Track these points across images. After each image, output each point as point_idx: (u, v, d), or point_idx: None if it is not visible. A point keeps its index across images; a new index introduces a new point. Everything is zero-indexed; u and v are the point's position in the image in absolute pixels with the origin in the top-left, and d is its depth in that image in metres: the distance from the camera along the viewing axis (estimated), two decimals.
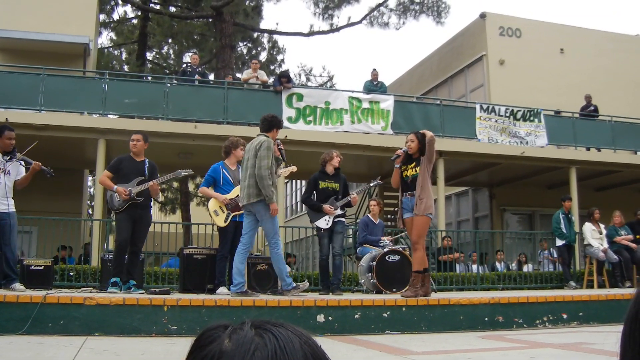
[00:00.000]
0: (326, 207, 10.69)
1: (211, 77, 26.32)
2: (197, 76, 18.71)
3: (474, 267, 18.15)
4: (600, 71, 26.11)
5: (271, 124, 9.38)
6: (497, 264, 19.78)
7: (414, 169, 9.12)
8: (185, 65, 23.16)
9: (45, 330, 6.94)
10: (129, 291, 9.05)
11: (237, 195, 10.00)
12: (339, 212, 10.87)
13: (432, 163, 9.25)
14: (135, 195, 9.55)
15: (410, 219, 9.13)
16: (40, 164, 9.53)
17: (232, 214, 10.01)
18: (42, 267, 11.32)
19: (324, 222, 10.77)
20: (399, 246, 12.69)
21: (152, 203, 10.33)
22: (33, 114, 16.13)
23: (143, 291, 9.15)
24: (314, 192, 11.05)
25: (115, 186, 9.52)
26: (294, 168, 10.88)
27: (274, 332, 0.97)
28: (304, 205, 11.44)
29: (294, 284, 9.02)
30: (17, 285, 9.32)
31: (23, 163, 9.75)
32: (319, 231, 10.91)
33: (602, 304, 9.26)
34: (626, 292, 10.80)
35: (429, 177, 9.17)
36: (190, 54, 23.34)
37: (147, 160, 9.96)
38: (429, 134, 9.17)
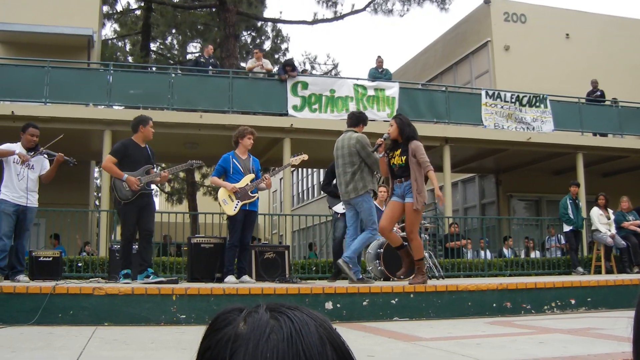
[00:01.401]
0: None
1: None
2: (210, 67, 18.75)
3: (482, 253, 18.14)
4: (607, 56, 26.02)
5: (359, 119, 9.91)
6: (505, 250, 19.75)
7: (400, 158, 8.96)
8: (198, 55, 23.14)
9: (55, 320, 6.96)
10: (147, 280, 8.92)
11: (247, 184, 10.02)
12: None
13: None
14: (145, 185, 9.33)
15: (395, 203, 9.05)
16: (63, 155, 9.56)
17: (241, 203, 9.97)
18: (50, 259, 11.37)
19: (341, 207, 10.79)
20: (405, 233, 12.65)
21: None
22: (38, 106, 16.16)
23: (163, 279, 9.03)
24: (333, 179, 10.99)
25: (126, 175, 9.13)
26: (305, 156, 10.86)
27: (289, 315, 0.97)
28: (322, 192, 11.52)
29: (361, 275, 9.47)
30: (22, 277, 9.38)
31: (47, 156, 9.79)
32: (335, 215, 10.99)
33: (610, 290, 9.24)
34: (634, 277, 10.78)
35: (421, 175, 9.03)
36: (198, 44, 23.31)
37: (147, 145, 9.67)
38: (413, 144, 8.96)
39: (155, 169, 9.60)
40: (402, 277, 9.93)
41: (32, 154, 9.67)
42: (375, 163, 9.41)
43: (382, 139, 9.00)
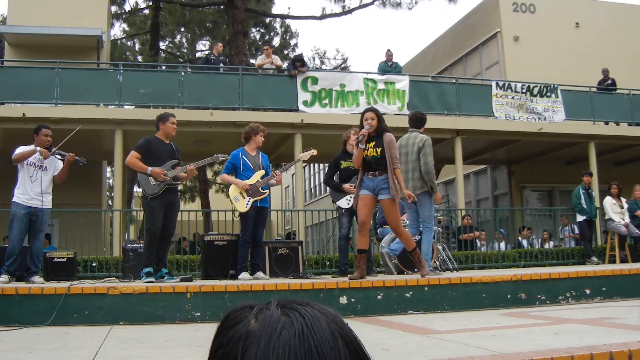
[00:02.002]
0: (346, 186, 10.56)
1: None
2: (221, 64, 18.78)
3: (497, 244, 18.12)
4: (617, 44, 25.88)
5: (422, 120, 10.47)
6: (523, 241, 19.74)
7: (374, 150, 8.86)
8: (208, 53, 23.17)
9: (71, 321, 6.99)
10: (162, 280, 8.91)
11: (258, 180, 10.03)
12: None
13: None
14: (171, 179, 9.28)
15: (367, 197, 8.96)
16: (73, 154, 9.60)
17: (253, 199, 9.99)
18: (64, 259, 11.41)
19: (345, 202, 10.67)
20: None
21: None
22: (49, 107, 16.23)
23: (178, 279, 9.02)
24: (337, 172, 10.95)
25: (150, 168, 9.12)
26: (314, 151, 10.87)
27: (300, 311, 0.97)
28: (327, 186, 11.40)
29: (432, 268, 9.83)
30: (37, 278, 9.42)
31: (59, 156, 9.83)
32: (339, 210, 10.85)
33: (625, 279, 9.20)
34: None
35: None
36: (207, 42, 23.32)
37: (171, 142, 9.67)
38: (388, 137, 8.89)
39: (180, 165, 9.57)
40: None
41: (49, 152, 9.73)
42: (425, 165, 9.92)
43: (366, 130, 8.85)
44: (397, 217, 8.99)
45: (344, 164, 10.74)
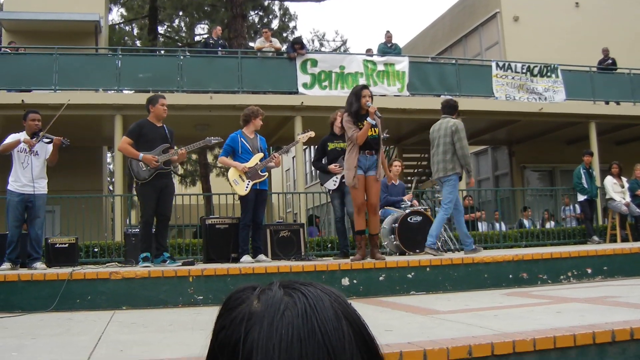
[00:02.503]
0: (331, 166, 10.42)
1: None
2: (220, 48, 18.73)
3: (497, 225, 18.13)
4: (617, 23, 25.75)
5: (454, 107, 10.73)
6: (525, 221, 19.77)
7: (372, 129, 8.90)
8: (207, 37, 23.09)
9: (74, 306, 7.00)
10: (164, 264, 8.93)
11: (257, 163, 10.01)
12: None
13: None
14: (162, 164, 9.26)
15: (362, 177, 8.96)
16: (60, 138, 9.59)
17: (252, 182, 9.98)
18: (66, 245, 11.43)
19: (332, 183, 10.54)
20: (420, 207, 12.64)
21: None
22: (48, 94, 16.19)
23: (180, 263, 9.03)
24: (324, 155, 10.88)
25: (142, 154, 9.09)
26: (312, 133, 10.86)
27: (303, 291, 0.96)
28: (314, 168, 11.33)
29: (474, 246, 10.27)
30: (39, 265, 9.41)
31: (46, 140, 9.80)
32: (329, 193, 10.78)
33: (626, 258, 9.21)
34: None
35: None
36: (205, 25, 23.26)
37: (165, 125, 9.61)
38: (372, 109, 8.97)
39: (174, 149, 9.53)
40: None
41: (35, 139, 9.68)
42: (461, 149, 10.15)
43: (373, 107, 8.89)
44: (378, 195, 9.16)
45: (331, 146, 10.67)
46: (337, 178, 10.43)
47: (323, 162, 10.82)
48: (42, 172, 9.84)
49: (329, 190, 10.66)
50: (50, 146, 9.82)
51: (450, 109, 10.65)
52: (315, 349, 0.89)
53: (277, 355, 0.88)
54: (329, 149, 10.70)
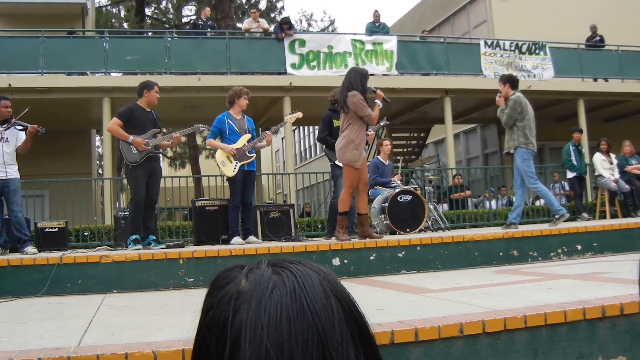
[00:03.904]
0: None
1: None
2: (209, 29, 18.64)
3: (487, 203, 18.19)
4: (605, 0, 25.74)
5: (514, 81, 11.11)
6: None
7: None
8: (196, 18, 22.96)
9: (64, 290, 6.98)
10: (149, 247, 8.95)
11: (244, 144, 10.00)
12: None
13: None
14: (152, 147, 9.29)
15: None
16: (35, 126, 9.48)
17: (240, 163, 9.96)
18: (56, 229, 11.40)
19: None
20: (410, 186, 12.64)
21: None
22: (35, 77, 16.09)
23: (164, 246, 9.06)
24: (331, 130, 10.83)
25: (131, 137, 9.13)
26: (299, 114, 10.85)
27: (291, 269, 0.95)
28: (321, 143, 11.24)
29: (563, 212, 10.21)
30: (30, 249, 9.36)
31: (19, 127, 9.69)
32: (336, 170, 10.63)
33: (616, 234, 9.25)
34: (639, 220, 10.79)
35: None
36: (193, 7, 23.12)
37: (152, 111, 9.64)
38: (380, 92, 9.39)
39: (161, 133, 9.57)
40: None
41: (5, 126, 9.56)
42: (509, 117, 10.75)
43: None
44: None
45: (336, 123, 10.63)
46: None
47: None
48: (12, 159, 9.66)
49: (339, 167, 10.60)
50: (23, 134, 9.72)
51: (513, 83, 11.09)
52: (305, 327, 0.88)
53: (265, 334, 0.87)
54: (334, 125, 10.65)
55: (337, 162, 10.59)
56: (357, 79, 9.07)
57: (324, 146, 11.07)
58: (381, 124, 11.65)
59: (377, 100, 9.09)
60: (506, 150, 10.77)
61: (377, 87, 9.36)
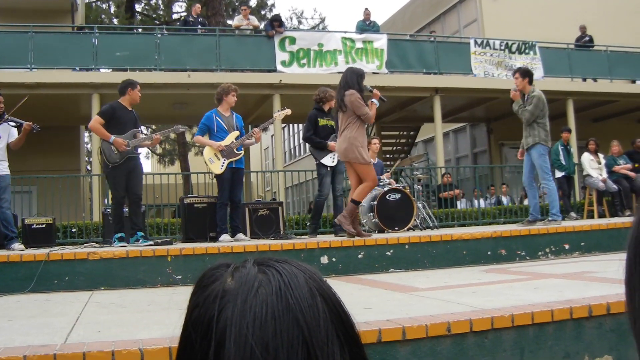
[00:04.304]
0: (332, 143, 10.41)
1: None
2: (200, 26, 18.60)
3: (476, 202, 18.22)
4: (595, 1, 25.81)
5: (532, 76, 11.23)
6: (503, 198, 19.89)
7: None
8: (187, 15, 22.89)
9: (51, 287, 6.96)
10: (137, 243, 8.95)
11: (232, 141, 9.99)
12: None
13: None
14: (133, 148, 9.35)
15: None
16: (31, 123, 9.43)
17: (228, 161, 9.95)
18: (44, 225, 11.35)
19: (329, 160, 10.58)
20: (399, 184, 12.65)
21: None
22: (24, 72, 16.02)
23: (152, 242, 9.07)
24: (316, 130, 10.85)
25: (113, 137, 9.16)
26: (288, 111, 10.86)
27: (277, 268, 0.95)
28: (307, 143, 11.25)
29: (559, 219, 10.42)
30: (17, 245, 9.31)
31: (12, 124, 9.63)
32: (322, 169, 10.68)
33: (603, 233, 9.28)
34: (626, 220, 10.82)
35: None
36: (183, 3, 23.04)
37: (133, 110, 9.68)
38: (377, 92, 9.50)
39: (141, 133, 9.61)
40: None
41: None
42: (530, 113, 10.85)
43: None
44: None
45: (321, 122, 10.66)
46: (334, 155, 10.46)
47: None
48: (3, 156, 9.59)
49: (325, 166, 10.64)
50: (15, 130, 9.66)
51: (532, 77, 11.18)
52: (290, 327, 0.88)
53: (250, 333, 0.87)
54: (319, 124, 10.67)
55: (322, 161, 10.63)
56: (353, 79, 9.15)
57: (310, 145, 11.06)
58: None
59: (373, 100, 9.25)
60: (525, 147, 10.70)
61: (373, 87, 9.45)
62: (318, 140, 10.62)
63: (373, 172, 9.17)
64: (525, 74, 10.80)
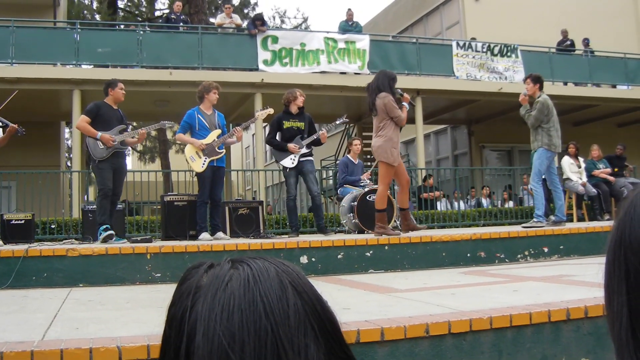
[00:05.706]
0: (290, 145, 10.48)
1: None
2: (181, 23, 18.53)
3: (456, 204, 18.27)
4: (577, 5, 25.96)
5: (543, 82, 11.31)
6: (483, 200, 19.95)
7: None
8: (169, 12, 22.80)
9: (29, 283, 6.92)
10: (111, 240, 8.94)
11: (214, 140, 9.98)
12: (304, 150, 10.71)
13: None
14: (119, 143, 9.38)
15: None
16: (16, 126, 9.40)
17: (209, 159, 9.94)
18: (22, 221, 11.26)
19: (289, 161, 10.61)
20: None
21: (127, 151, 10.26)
22: (4, 67, 15.91)
23: (125, 240, 9.07)
24: (278, 132, 10.88)
25: (100, 133, 9.19)
26: (270, 110, 10.88)
27: (249, 264, 0.96)
28: (268, 145, 11.29)
29: (542, 222, 10.35)
30: None
31: (0, 124, 9.61)
32: (284, 171, 10.79)
33: (582, 237, 9.34)
34: (605, 224, 10.90)
35: None
36: (166, 0, 22.93)
37: (119, 109, 9.75)
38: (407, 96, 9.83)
39: (128, 130, 9.64)
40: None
41: None
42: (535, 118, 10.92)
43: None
44: None
45: (286, 124, 10.69)
46: (295, 156, 10.49)
47: (277, 139, 10.83)
48: None
49: (285, 168, 10.68)
50: (0, 130, 9.63)
51: (542, 84, 11.36)
52: (257, 319, 0.89)
53: (218, 325, 0.88)
54: (284, 127, 10.70)
55: (281, 162, 10.68)
56: (385, 82, 9.43)
57: (272, 148, 11.08)
58: (337, 122, 11.76)
59: (404, 103, 9.55)
60: (533, 151, 11.03)
61: (403, 91, 9.76)
62: (276, 142, 10.71)
63: (391, 177, 9.60)
64: (537, 80, 10.98)
